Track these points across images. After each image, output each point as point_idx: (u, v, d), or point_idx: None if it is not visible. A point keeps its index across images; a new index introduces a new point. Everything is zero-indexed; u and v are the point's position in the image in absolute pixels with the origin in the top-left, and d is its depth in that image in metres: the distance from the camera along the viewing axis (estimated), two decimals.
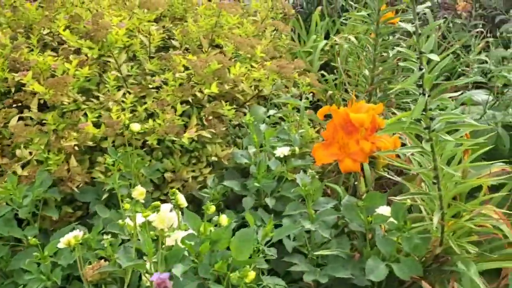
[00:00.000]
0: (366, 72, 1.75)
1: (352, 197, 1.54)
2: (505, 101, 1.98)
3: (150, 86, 1.60)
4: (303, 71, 3.06)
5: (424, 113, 1.13)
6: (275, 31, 2.36)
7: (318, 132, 2.06)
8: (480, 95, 2.02)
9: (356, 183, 1.44)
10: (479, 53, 2.55)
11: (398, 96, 1.80)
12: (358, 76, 1.80)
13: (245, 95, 1.83)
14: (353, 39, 2.94)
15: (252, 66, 1.80)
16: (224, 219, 1.03)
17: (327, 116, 1.42)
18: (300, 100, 2.03)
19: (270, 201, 1.54)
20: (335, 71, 3.22)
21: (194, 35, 1.84)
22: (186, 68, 1.63)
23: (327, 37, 3.68)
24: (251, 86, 1.78)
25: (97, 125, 1.48)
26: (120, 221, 1.11)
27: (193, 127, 1.60)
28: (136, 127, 1.33)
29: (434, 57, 1.02)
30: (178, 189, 1.60)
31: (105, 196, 1.43)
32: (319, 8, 3.91)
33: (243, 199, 1.55)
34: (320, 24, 3.76)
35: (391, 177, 1.34)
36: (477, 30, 2.72)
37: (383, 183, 1.66)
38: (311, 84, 2.15)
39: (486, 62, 2.31)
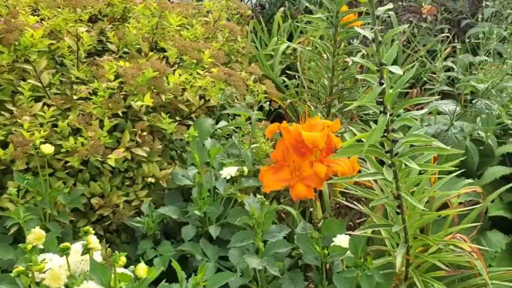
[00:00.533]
0: (325, 81, 1.57)
1: (308, 223, 1.36)
2: (473, 112, 1.84)
3: (75, 97, 1.37)
4: (262, 76, 2.87)
5: (385, 134, 0.95)
6: (230, 34, 2.17)
7: (274, 146, 1.87)
8: (447, 106, 1.87)
9: (311, 209, 1.25)
10: (445, 59, 2.42)
11: (360, 108, 1.63)
12: (318, 84, 1.61)
13: (190, 105, 1.62)
14: (317, 41, 2.78)
15: (198, 73, 1.60)
16: (141, 269, 0.82)
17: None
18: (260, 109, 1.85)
19: (214, 230, 1.34)
20: (297, 76, 3.06)
21: (132, 37, 1.62)
22: (118, 77, 1.41)
23: (290, 39, 3.52)
24: (196, 96, 1.58)
25: (6, 144, 1.24)
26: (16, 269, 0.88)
27: (125, 144, 1.39)
28: (47, 149, 1.11)
29: (397, 70, 0.84)
30: (107, 216, 1.38)
31: (14, 229, 1.20)
32: (282, 9, 3.74)
33: (182, 229, 1.35)
34: (283, 26, 3.58)
35: (349, 204, 1.16)
36: (443, 35, 2.59)
37: (342, 207, 1.48)
38: (267, 92, 1.96)
39: (453, 69, 2.18)
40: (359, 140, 0.99)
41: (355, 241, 1.13)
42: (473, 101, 1.80)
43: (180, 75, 1.46)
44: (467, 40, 2.22)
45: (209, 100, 1.57)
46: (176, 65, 1.69)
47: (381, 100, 0.93)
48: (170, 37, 1.71)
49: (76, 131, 1.39)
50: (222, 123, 1.65)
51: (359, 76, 0.94)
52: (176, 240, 1.41)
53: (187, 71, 1.64)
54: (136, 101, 1.33)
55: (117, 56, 1.66)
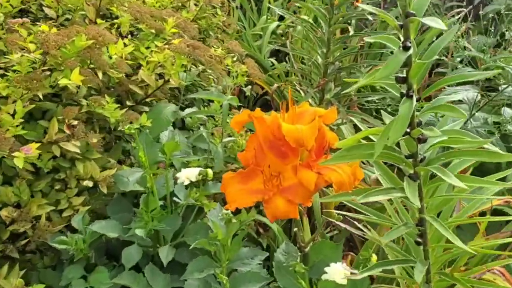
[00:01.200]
0: (318, 58, 1.22)
1: (292, 246, 1.02)
2: (499, 100, 1.50)
3: None
4: (246, 57, 2.51)
5: (409, 130, 0.61)
6: (206, 5, 1.81)
7: None
8: (467, 92, 1.53)
9: (295, 229, 0.92)
10: (457, 40, 2.07)
11: (361, 93, 1.29)
12: (310, 63, 1.26)
13: (147, 88, 1.28)
14: (308, 5, 2.41)
15: (157, 47, 1.25)
16: None
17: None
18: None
19: (166, 254, 1.00)
20: (287, 58, 2.70)
21: (73, 0, 1.26)
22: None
23: (281, 20, 3.16)
24: (152, 75, 1.23)
25: None
26: None
27: (52, 137, 1.04)
28: None
29: (435, 23, 0.50)
30: (24, 233, 1.04)
31: None
32: None
33: (123, 251, 1.00)
34: (274, 5, 3.23)
35: (348, 228, 0.82)
36: (456, 11, 2.25)
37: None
38: (249, 74, 1.61)
39: (466, 48, 1.84)
40: (365, 138, 0.65)
41: (356, 281, 0.79)
42: (501, 87, 1.46)
43: (125, 45, 1.10)
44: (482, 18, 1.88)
45: (168, 80, 1.23)
46: (131, 36, 1.33)
47: (404, 76, 0.59)
48: (125, 1, 1.35)
49: None
50: (187, 111, 1.31)
51: (369, 39, 0.60)
52: (119, 263, 1.07)
53: (143, 43, 1.29)
54: (60, 78, 0.98)
55: (56, 24, 1.30)
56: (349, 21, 1.17)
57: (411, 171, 0.66)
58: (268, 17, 2.96)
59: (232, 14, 2.86)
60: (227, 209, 0.81)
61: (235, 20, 2.82)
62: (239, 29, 2.86)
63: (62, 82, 0.97)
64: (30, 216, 1.02)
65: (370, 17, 1.16)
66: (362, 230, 0.85)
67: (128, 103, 1.24)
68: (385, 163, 0.72)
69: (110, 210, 1.13)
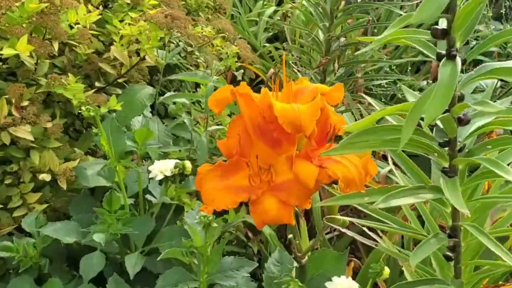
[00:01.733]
0: (320, 34, 1.04)
1: (286, 254, 0.85)
2: None
3: None
4: (239, 40, 2.32)
5: (449, 108, 0.44)
6: None
7: None
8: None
9: (290, 236, 0.74)
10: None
11: (368, 74, 1.11)
12: (309, 39, 1.08)
13: (121, 67, 1.10)
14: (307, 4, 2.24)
15: (132, 19, 1.07)
16: None
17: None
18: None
19: (133, 265, 0.82)
20: (284, 45, 2.52)
21: None
22: None
23: (280, 5, 2.98)
24: (125, 50, 1.05)
25: None
26: None
27: (0, 120, 0.86)
28: None
29: None
30: None
31: None
32: None
33: (82, 260, 0.83)
34: None
35: (357, 237, 0.65)
36: None
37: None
38: (241, 56, 1.44)
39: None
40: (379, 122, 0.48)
41: None
42: None
43: (90, 12, 0.92)
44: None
45: (144, 57, 1.05)
46: (103, 8, 1.15)
47: (445, 28, 0.41)
48: None
49: None
50: (167, 95, 1.13)
51: None
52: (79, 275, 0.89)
53: (117, 15, 1.11)
54: (4, 48, 0.80)
55: None
56: None
57: (446, 164, 0.49)
58: (265, 3, 2.79)
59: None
60: (203, 211, 0.64)
61: (229, 3, 2.64)
62: (234, 15, 2.67)
63: (6, 52, 0.79)
64: None
65: None
66: (370, 238, 0.68)
67: (97, 84, 1.06)
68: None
69: (73, 210, 0.96)
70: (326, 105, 0.62)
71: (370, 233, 0.67)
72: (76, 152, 1.02)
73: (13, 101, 0.84)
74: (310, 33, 1.06)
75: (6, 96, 0.85)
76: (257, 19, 2.70)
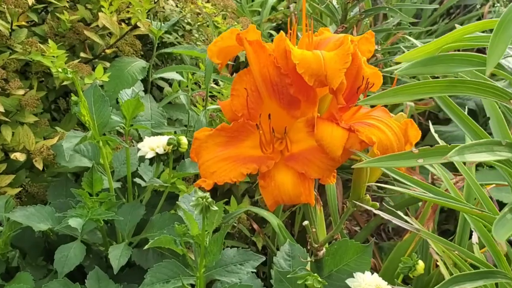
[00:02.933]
0: (334, 1, 0.92)
1: (298, 247, 0.72)
2: None
3: None
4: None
5: None
6: None
7: None
8: None
9: (305, 223, 0.62)
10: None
11: (387, 47, 0.98)
12: (322, 6, 0.95)
13: (110, 37, 0.97)
14: None
15: None
16: None
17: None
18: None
19: (117, 256, 0.69)
20: (291, 7, 2.40)
21: None
22: None
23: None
24: (113, 16, 0.92)
25: None
26: None
27: None
28: None
29: None
30: None
31: None
32: None
33: (57, 250, 0.70)
34: None
35: (391, 219, 0.52)
36: None
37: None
38: None
39: None
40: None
41: None
42: None
43: None
44: None
45: (136, 25, 0.92)
46: None
47: None
48: None
49: None
50: (162, 69, 1.00)
51: None
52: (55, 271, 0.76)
53: None
54: None
55: None
56: None
57: None
58: None
59: None
60: (200, 187, 0.51)
61: None
62: (236, 2, 2.55)
63: None
64: None
65: None
66: (404, 221, 0.55)
67: (83, 55, 0.94)
68: None
69: (51, 195, 0.83)
70: (358, 53, 0.49)
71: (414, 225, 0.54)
72: (58, 131, 0.90)
73: None
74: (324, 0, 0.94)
75: None
76: (260, 9, 2.58)
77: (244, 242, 1.05)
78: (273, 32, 2.09)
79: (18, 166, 0.87)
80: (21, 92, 0.75)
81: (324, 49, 0.54)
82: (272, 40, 1.75)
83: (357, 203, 0.54)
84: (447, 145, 0.38)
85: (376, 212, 0.51)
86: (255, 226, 0.92)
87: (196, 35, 1.29)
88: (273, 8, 2.61)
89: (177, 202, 0.72)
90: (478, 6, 1.89)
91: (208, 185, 0.49)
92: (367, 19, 0.93)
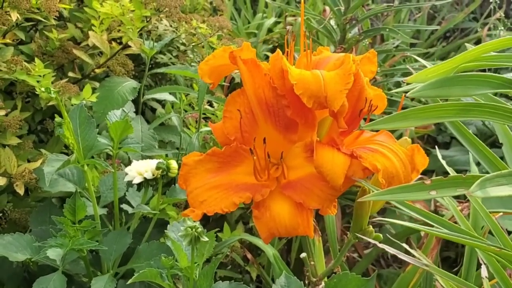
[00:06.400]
0: (332, 21, 0.89)
1: (295, 280, 0.67)
2: None
3: None
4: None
5: None
6: None
7: None
8: None
9: (303, 255, 0.57)
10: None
11: (387, 69, 0.95)
12: (320, 26, 0.92)
13: (100, 57, 0.94)
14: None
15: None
16: None
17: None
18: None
19: None
20: (288, 27, 2.38)
21: None
22: None
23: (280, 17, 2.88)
24: (103, 35, 0.89)
25: None
26: None
27: None
28: None
29: None
30: None
31: None
32: None
33: (34, 284, 0.65)
34: (271, 5, 2.94)
35: (389, 249, 0.48)
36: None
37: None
38: None
39: None
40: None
41: None
42: None
43: None
44: None
45: (127, 45, 0.89)
46: None
47: None
48: None
49: None
50: (154, 90, 0.97)
51: None
52: None
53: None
54: None
55: None
56: None
57: None
58: (265, 15, 2.67)
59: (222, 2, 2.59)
60: (188, 216, 0.47)
61: (228, 12, 2.52)
62: (232, 24, 2.55)
63: None
64: None
65: None
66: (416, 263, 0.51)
67: (71, 74, 0.90)
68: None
69: (34, 222, 0.78)
70: (360, 73, 0.46)
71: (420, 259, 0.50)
72: (44, 154, 0.85)
73: None
74: (322, 20, 0.91)
75: None
76: (256, 31, 2.58)
77: (237, 271, 1.00)
78: (269, 54, 2.08)
79: None
80: (3, 112, 0.71)
81: (324, 69, 0.50)
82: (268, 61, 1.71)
83: (360, 235, 0.50)
84: (461, 176, 0.34)
85: (381, 246, 0.46)
86: (249, 256, 0.87)
87: (191, 56, 1.27)
88: (270, 30, 2.61)
89: (165, 230, 0.68)
90: (477, 29, 1.88)
91: (196, 215, 0.45)
92: (366, 40, 0.90)
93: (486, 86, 0.29)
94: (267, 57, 2.38)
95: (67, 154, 0.99)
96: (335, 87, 0.43)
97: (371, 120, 0.48)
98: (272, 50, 2.54)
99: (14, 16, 0.71)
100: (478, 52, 0.30)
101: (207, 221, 1.07)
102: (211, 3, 1.64)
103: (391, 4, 0.87)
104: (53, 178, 0.75)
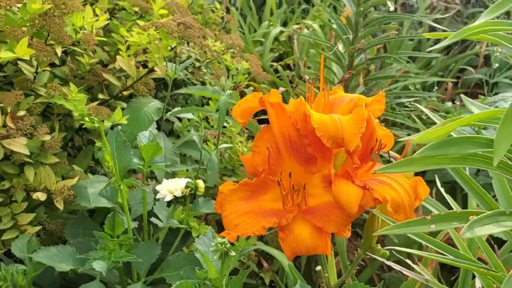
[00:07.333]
0: (340, 47, 0.97)
1: None
2: None
3: None
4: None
5: None
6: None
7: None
8: None
9: (318, 268, 0.65)
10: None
11: (391, 92, 1.03)
12: (330, 52, 1.00)
13: (126, 79, 1.02)
14: (317, 27, 2.18)
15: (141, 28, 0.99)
16: None
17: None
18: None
19: None
20: (292, 66, 2.47)
21: None
22: None
23: (285, 26, 2.95)
24: (132, 60, 0.97)
25: None
26: None
27: None
28: None
29: None
30: None
31: None
32: None
33: None
34: (276, 13, 3.02)
35: (395, 266, 0.56)
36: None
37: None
38: (252, 73, 1.37)
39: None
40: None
41: None
42: None
43: (97, 16, 0.84)
44: None
45: (153, 69, 0.97)
46: (110, 16, 1.08)
47: None
48: None
49: None
50: (175, 110, 1.04)
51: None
52: None
53: (124, 24, 1.04)
54: (1, 51, 0.72)
55: None
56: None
57: None
58: (271, 23, 2.75)
59: (228, 11, 2.67)
60: (224, 237, 0.55)
61: (234, 25, 2.60)
62: (233, 22, 2.64)
63: (4, 56, 0.71)
64: None
65: None
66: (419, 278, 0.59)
67: (101, 96, 0.98)
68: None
69: (69, 233, 0.86)
70: (371, 117, 0.54)
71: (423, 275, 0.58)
72: (75, 169, 0.93)
73: (9, 110, 0.75)
74: (332, 46, 0.99)
75: (1, 105, 0.76)
76: (262, 39, 2.66)
77: (251, 277, 1.08)
78: (275, 64, 2.16)
79: (36, 204, 0.91)
80: (48, 137, 0.79)
81: (338, 108, 0.58)
82: (274, 70, 1.82)
83: (369, 253, 0.58)
84: (456, 212, 0.42)
85: (388, 263, 0.54)
86: (265, 264, 0.94)
87: (204, 70, 1.35)
88: (275, 39, 2.68)
89: (193, 243, 0.76)
90: (476, 43, 1.96)
91: (232, 238, 0.53)
92: (372, 65, 0.98)
93: (477, 146, 0.37)
94: (272, 66, 2.47)
95: (95, 169, 1.07)
96: (351, 131, 0.51)
97: (380, 155, 0.56)
98: (278, 58, 2.63)
99: (59, 51, 0.79)
100: (470, 119, 0.37)
101: (222, 229, 1.15)
102: (222, 18, 1.71)
103: (396, 32, 0.95)
104: (88, 195, 0.83)
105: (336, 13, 1.83)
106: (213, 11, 1.72)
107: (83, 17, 0.81)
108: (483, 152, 0.39)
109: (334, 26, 0.97)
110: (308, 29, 2.47)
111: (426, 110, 0.49)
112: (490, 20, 0.34)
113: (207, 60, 1.34)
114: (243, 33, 2.68)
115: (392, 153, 0.89)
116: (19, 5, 0.76)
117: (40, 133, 0.75)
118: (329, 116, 0.53)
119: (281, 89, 1.54)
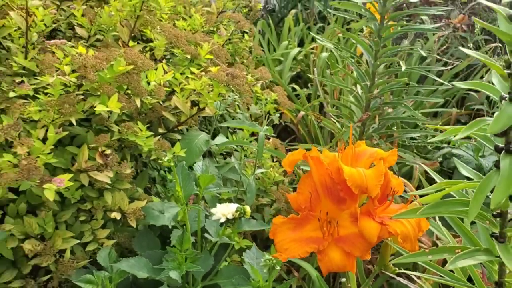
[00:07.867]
0: (359, 90, 1.16)
1: None
2: None
3: (13, 94, 0.96)
4: (270, 83, 2.46)
5: None
6: (236, 30, 1.77)
7: (285, 173, 1.47)
8: None
9: (343, 280, 0.84)
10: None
11: (403, 129, 1.22)
12: (351, 96, 1.20)
13: (179, 114, 1.22)
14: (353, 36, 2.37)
15: (193, 73, 1.19)
16: None
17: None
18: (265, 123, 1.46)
19: None
20: (309, 84, 2.66)
21: (106, 20, 1.21)
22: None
23: (301, 45, 3.15)
24: (187, 102, 1.17)
25: None
26: None
27: (81, 165, 0.97)
28: None
29: None
30: (46, 269, 0.97)
31: None
32: (293, 11, 3.37)
33: None
34: (293, 30, 3.21)
35: (402, 280, 0.75)
36: (488, 47, 2.19)
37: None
38: (278, 102, 1.56)
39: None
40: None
41: None
42: None
43: (165, 72, 1.05)
44: None
45: (204, 108, 1.17)
46: (164, 60, 1.28)
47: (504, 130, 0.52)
48: (158, 24, 1.30)
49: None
50: (220, 139, 1.24)
51: (461, 85, 0.54)
52: None
53: (178, 69, 1.24)
54: (96, 104, 0.92)
55: (86, 44, 1.25)
56: (395, 55, 1.12)
57: (496, 231, 0.59)
58: (290, 43, 2.94)
59: (254, 36, 2.86)
60: (277, 258, 0.74)
61: (256, 43, 2.81)
62: (259, 52, 2.85)
63: (99, 108, 0.91)
64: (55, 250, 0.94)
65: (423, 53, 1.10)
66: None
67: (160, 130, 1.18)
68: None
69: (138, 245, 1.06)
70: (387, 171, 0.73)
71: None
72: (139, 191, 1.13)
73: (99, 148, 0.95)
74: (352, 90, 1.18)
75: (94, 145, 0.96)
76: (281, 58, 2.85)
77: (280, 282, 1.28)
78: (295, 87, 2.35)
79: (106, 220, 1.11)
80: (129, 171, 0.99)
81: (361, 160, 0.77)
82: (292, 89, 2.02)
83: (384, 271, 0.77)
84: (446, 246, 0.61)
85: (398, 279, 0.73)
86: (296, 274, 1.14)
87: (239, 110, 1.55)
88: (294, 58, 2.88)
89: (241, 257, 0.95)
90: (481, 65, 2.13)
91: (283, 258, 0.73)
92: (386, 109, 1.17)
93: (462, 206, 0.55)
94: (291, 81, 2.67)
95: (149, 188, 1.27)
96: (373, 182, 0.70)
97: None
98: (296, 76, 2.83)
99: (138, 102, 0.99)
100: (462, 186, 0.56)
101: (255, 240, 1.35)
102: (250, 48, 1.91)
103: (408, 83, 1.14)
104: (155, 215, 1.04)
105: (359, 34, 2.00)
106: (241, 41, 1.92)
107: (156, 74, 1.00)
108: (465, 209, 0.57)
109: (354, 74, 1.16)
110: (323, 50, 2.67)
111: (428, 169, 0.69)
112: None
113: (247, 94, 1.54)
114: (263, 50, 2.87)
115: (406, 183, 1.08)
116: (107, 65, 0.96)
117: (124, 168, 0.95)
118: (356, 170, 0.72)
119: (301, 113, 1.72)
